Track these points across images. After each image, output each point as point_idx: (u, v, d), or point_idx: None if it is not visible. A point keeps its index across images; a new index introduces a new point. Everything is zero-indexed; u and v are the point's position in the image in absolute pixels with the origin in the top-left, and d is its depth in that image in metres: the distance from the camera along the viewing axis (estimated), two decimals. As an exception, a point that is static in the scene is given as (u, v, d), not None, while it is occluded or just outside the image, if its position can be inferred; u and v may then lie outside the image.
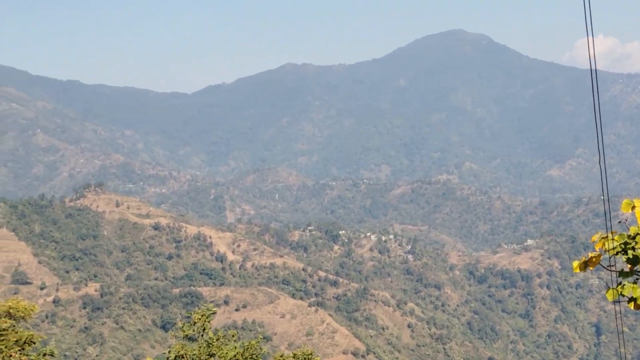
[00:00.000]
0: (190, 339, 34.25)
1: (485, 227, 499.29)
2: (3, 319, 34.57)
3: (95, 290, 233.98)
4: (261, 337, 37.32)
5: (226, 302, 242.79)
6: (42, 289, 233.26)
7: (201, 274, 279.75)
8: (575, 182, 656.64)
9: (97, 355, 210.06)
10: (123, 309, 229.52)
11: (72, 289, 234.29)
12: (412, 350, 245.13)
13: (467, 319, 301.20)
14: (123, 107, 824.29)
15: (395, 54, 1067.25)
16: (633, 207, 14.58)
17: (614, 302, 14.57)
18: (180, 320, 35.52)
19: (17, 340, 33.36)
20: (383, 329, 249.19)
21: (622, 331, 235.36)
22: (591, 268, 15.10)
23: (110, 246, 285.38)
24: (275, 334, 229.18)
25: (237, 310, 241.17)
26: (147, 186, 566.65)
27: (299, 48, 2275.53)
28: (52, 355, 34.44)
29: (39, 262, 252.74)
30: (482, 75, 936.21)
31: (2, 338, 32.97)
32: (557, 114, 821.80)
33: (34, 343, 34.32)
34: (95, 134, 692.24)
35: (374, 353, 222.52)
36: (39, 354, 34.15)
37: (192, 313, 34.66)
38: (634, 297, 14.47)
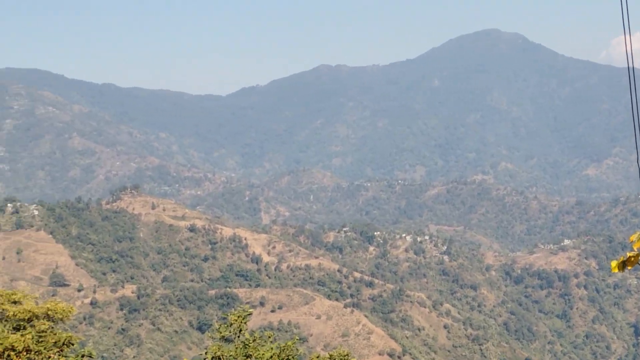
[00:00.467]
0: (227, 340, 34.41)
1: (521, 227, 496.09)
2: (42, 320, 35.05)
3: (132, 292, 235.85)
4: (297, 338, 37.32)
5: (262, 304, 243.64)
6: (79, 290, 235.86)
7: (237, 275, 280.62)
8: (612, 181, 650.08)
9: (134, 357, 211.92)
10: (159, 310, 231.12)
11: (109, 290, 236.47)
12: (449, 351, 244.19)
13: (504, 320, 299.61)
14: (158, 110, 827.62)
15: (430, 54, 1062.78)
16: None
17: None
18: (217, 322, 35.71)
19: (55, 342, 33.80)
20: (419, 329, 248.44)
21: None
22: (629, 268, 14.97)
23: (146, 248, 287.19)
24: (311, 335, 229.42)
25: (272, 311, 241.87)
26: (182, 188, 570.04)
27: (333, 49, 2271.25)
28: (90, 357, 34.85)
29: (77, 264, 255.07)
30: (517, 74, 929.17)
31: (41, 339, 33.40)
32: (593, 112, 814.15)
33: (72, 344, 34.74)
34: (130, 137, 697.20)
35: (410, 354, 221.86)
36: (77, 356, 34.56)
37: (229, 314, 34.82)
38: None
